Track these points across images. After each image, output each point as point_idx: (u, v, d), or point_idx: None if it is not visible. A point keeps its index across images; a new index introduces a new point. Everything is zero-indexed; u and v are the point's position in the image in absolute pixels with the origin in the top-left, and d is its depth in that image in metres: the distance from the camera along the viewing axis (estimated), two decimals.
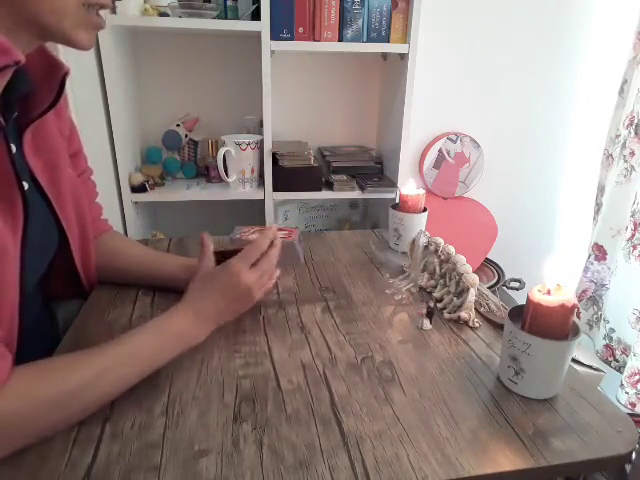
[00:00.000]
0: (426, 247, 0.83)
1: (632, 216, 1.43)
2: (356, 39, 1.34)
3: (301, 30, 1.32)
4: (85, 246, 0.74)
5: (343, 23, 1.32)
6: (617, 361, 1.52)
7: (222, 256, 0.70)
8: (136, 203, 1.44)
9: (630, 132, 1.44)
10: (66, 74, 0.61)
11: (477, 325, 0.72)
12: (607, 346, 1.55)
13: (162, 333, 0.59)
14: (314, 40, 1.33)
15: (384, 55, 1.59)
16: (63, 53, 0.98)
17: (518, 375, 0.56)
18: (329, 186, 1.51)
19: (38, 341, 0.66)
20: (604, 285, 1.59)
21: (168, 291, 0.79)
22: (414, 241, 0.85)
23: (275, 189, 1.45)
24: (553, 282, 0.54)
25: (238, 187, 1.46)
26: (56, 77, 0.60)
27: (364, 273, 0.90)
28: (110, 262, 0.80)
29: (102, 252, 0.79)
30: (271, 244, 0.70)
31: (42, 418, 0.48)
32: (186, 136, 1.53)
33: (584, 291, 1.65)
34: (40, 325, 0.70)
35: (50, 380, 0.49)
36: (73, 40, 0.54)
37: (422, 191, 0.97)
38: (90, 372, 0.51)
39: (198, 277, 0.66)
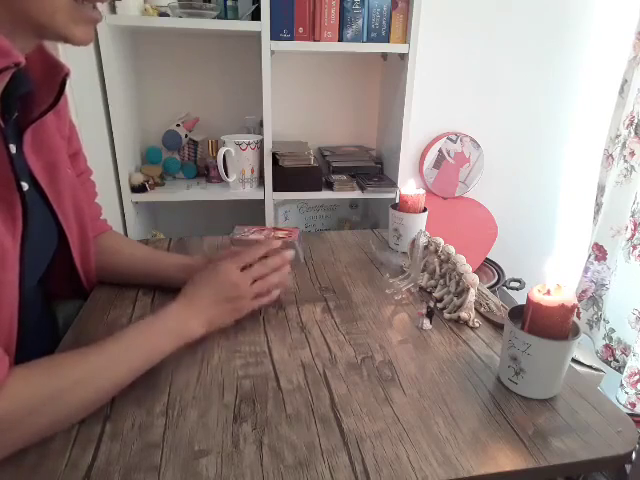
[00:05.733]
0: (426, 247, 0.83)
1: (632, 216, 1.43)
2: (356, 39, 1.34)
3: (301, 30, 1.32)
4: (84, 246, 0.74)
5: (343, 23, 1.32)
6: (617, 361, 1.52)
7: None
8: (136, 203, 1.44)
9: (630, 132, 1.44)
10: (66, 75, 0.60)
11: (477, 325, 0.72)
12: (607, 346, 1.55)
13: (154, 330, 0.59)
14: (314, 40, 1.33)
15: (384, 55, 1.59)
16: (63, 53, 0.98)
17: (518, 375, 0.56)
18: (329, 186, 1.51)
19: (38, 341, 0.66)
20: (604, 285, 1.60)
21: (168, 291, 0.79)
22: (414, 241, 0.85)
23: (275, 189, 1.45)
24: (553, 282, 0.54)
25: (238, 187, 1.46)
26: (56, 78, 0.60)
27: (364, 273, 0.90)
28: (109, 261, 0.80)
29: (101, 252, 0.79)
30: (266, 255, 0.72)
31: (39, 417, 0.48)
32: (186, 136, 1.53)
33: (584, 291, 1.65)
34: (40, 325, 0.70)
35: (44, 378, 0.49)
36: (69, 37, 0.53)
37: (422, 191, 0.97)
38: (85, 369, 0.51)
39: (191, 279, 0.69)
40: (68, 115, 0.73)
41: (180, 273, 0.76)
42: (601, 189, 1.60)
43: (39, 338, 0.67)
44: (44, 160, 0.63)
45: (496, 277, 1.70)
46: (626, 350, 1.48)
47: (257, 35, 1.29)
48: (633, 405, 1.40)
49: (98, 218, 0.84)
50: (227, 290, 0.66)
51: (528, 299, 0.55)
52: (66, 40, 0.53)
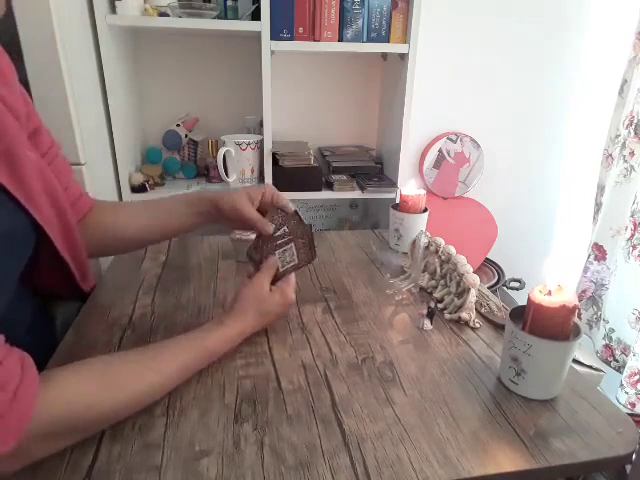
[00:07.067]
0: (427, 247, 0.83)
1: (632, 216, 1.43)
2: (356, 39, 1.34)
3: (301, 30, 1.32)
4: (68, 233, 0.66)
5: (343, 23, 1.32)
6: (617, 361, 1.52)
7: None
8: None
9: (630, 132, 1.44)
10: None
11: (477, 325, 0.72)
12: (607, 346, 1.55)
13: (211, 354, 0.61)
14: (314, 40, 1.33)
15: (384, 55, 1.59)
16: (63, 53, 0.97)
17: (519, 376, 0.56)
18: (329, 186, 1.51)
19: (35, 342, 0.65)
20: (604, 285, 1.60)
21: (168, 291, 0.79)
22: (415, 241, 0.85)
23: None
24: (554, 283, 0.54)
25: (238, 187, 1.46)
26: None
27: (364, 273, 0.90)
28: (104, 239, 0.74)
29: (95, 233, 0.73)
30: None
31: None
32: (186, 136, 1.53)
33: (584, 291, 1.65)
34: (35, 327, 0.67)
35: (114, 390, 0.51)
36: None
37: (422, 191, 0.97)
38: (145, 388, 0.53)
39: (256, 296, 0.66)
40: (20, 90, 0.63)
41: (194, 221, 0.74)
42: (601, 189, 1.60)
43: (34, 340, 0.65)
44: None
45: (496, 277, 1.71)
46: (626, 350, 1.48)
47: (257, 35, 1.29)
48: (633, 405, 1.40)
49: (80, 197, 0.73)
50: (279, 314, 0.70)
51: (529, 300, 0.55)
52: None
